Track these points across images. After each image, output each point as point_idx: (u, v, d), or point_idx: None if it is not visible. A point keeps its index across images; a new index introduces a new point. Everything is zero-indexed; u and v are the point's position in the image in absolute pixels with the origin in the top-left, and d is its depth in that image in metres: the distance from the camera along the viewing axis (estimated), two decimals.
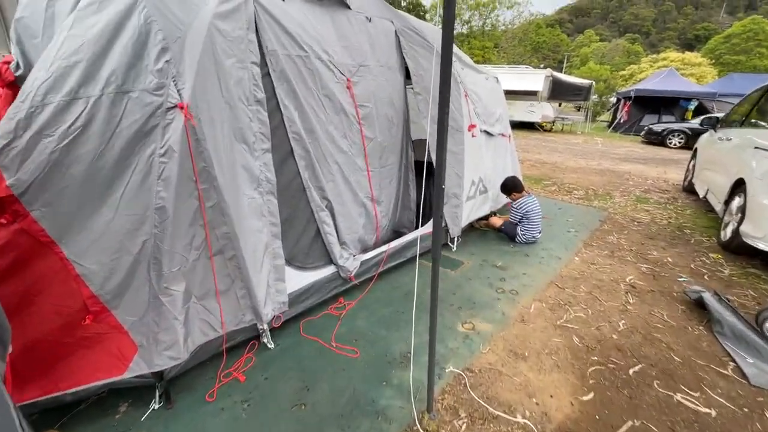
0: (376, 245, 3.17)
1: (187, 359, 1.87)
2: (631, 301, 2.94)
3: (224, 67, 2.05)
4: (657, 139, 14.18)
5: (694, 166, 6.37)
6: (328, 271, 2.63)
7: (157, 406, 1.80)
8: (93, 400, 1.85)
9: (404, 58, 3.37)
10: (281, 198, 2.36)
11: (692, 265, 3.63)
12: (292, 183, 2.47)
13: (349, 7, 2.99)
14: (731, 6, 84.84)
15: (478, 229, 4.29)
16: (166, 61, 1.78)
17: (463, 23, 38.00)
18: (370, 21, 3.15)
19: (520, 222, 3.97)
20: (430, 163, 3.63)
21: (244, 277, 2.05)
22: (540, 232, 4.02)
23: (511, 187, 4.12)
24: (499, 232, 4.14)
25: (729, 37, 42.61)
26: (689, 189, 6.43)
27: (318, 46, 2.65)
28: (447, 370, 2.10)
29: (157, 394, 1.81)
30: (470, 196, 3.86)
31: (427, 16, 36.12)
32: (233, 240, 1.98)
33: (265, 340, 2.22)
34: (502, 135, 4.55)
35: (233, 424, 1.74)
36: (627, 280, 3.28)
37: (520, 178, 5.55)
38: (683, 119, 16.20)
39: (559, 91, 17.06)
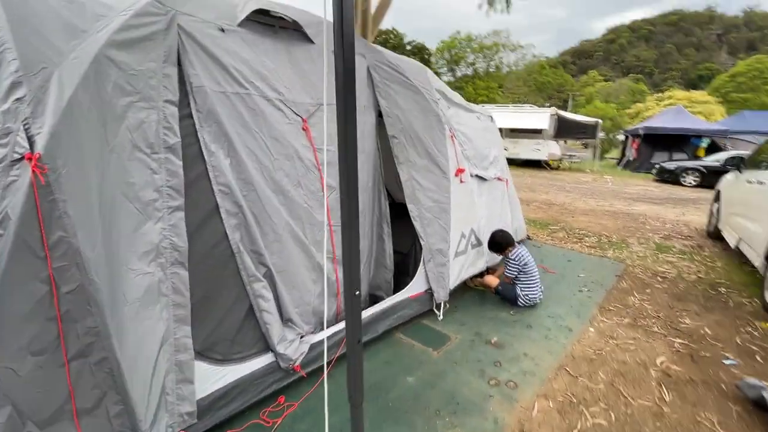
0: (339, 317, 2.58)
1: None
2: (666, 397, 2.24)
3: (114, 108, 1.58)
4: (670, 177, 13.56)
5: (718, 210, 5.73)
6: (264, 361, 2.03)
7: None
8: None
9: (377, 97, 2.94)
10: (197, 269, 1.82)
11: (737, 339, 2.93)
12: (215, 249, 1.93)
13: (311, 41, 2.60)
14: (731, 47, 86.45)
15: (473, 288, 3.65)
16: (17, 99, 1.31)
17: (468, 65, 39.10)
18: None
19: (517, 278, 3.34)
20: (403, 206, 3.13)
21: (120, 388, 1.46)
22: (542, 291, 3.38)
23: (503, 242, 3.48)
24: (495, 294, 3.50)
25: (734, 76, 42.77)
26: (715, 235, 5.74)
27: (264, 83, 2.22)
28: None
29: None
30: (460, 252, 3.28)
31: (432, 59, 37.31)
32: (103, 337, 1.41)
33: None
34: (499, 179, 4.03)
35: None
36: (658, 362, 2.59)
37: (523, 226, 5.02)
38: (695, 157, 15.64)
39: (565, 129, 16.80)
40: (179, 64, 1.89)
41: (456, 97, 3.74)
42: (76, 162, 1.40)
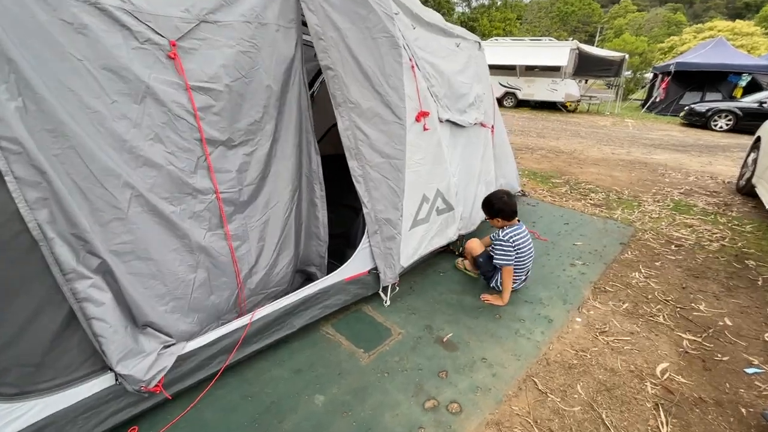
0: (241, 309, 2.00)
1: None
2: (664, 425, 1.66)
3: None
4: (700, 121, 12.18)
5: (755, 160, 4.81)
6: (99, 385, 1.47)
7: None
8: None
9: (303, 12, 2.09)
10: None
11: (766, 335, 2.29)
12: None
13: None
14: None
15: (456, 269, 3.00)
16: None
17: None
18: None
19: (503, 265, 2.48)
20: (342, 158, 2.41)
21: None
22: (527, 276, 2.70)
23: (497, 208, 2.49)
24: (468, 269, 2.86)
25: None
26: (748, 191, 4.89)
27: None
28: None
29: None
30: (420, 220, 2.60)
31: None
32: None
33: None
34: (482, 125, 3.21)
35: None
36: (658, 371, 1.99)
37: (514, 180, 4.26)
38: (731, 97, 13.98)
39: (585, 67, 15.02)
40: None
41: (427, 13, 2.83)
42: None
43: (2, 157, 1.27)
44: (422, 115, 2.53)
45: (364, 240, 2.37)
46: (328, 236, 2.41)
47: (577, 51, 14.45)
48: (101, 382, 1.48)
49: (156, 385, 1.56)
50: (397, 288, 2.50)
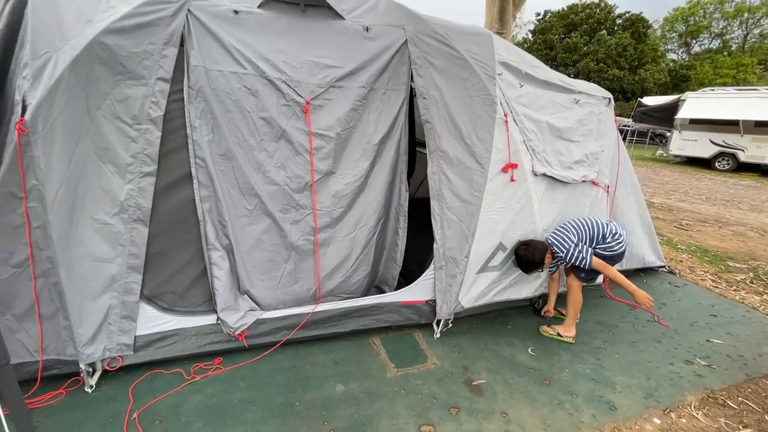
0: (318, 299, 2.51)
1: None
2: None
3: (100, 85, 1.93)
4: None
5: None
6: (207, 320, 2.19)
7: None
8: None
9: (413, 75, 2.60)
10: (158, 227, 2.09)
11: None
12: (181, 213, 2.15)
13: (342, 17, 2.50)
14: None
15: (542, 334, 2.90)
16: (23, 77, 1.78)
17: (714, 36, 29.68)
18: (367, 31, 2.55)
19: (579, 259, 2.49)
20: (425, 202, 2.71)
21: (64, 308, 1.86)
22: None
23: (531, 257, 2.54)
24: (563, 336, 2.68)
25: None
26: None
27: (267, 63, 2.27)
28: None
29: None
30: (491, 267, 2.65)
31: (658, 31, 29.88)
32: (55, 266, 1.82)
33: (87, 382, 1.96)
34: (594, 183, 3.00)
35: None
36: None
37: (649, 253, 3.66)
38: None
39: None
40: (183, 45, 2.13)
41: (541, 71, 2.94)
42: (54, 128, 1.80)
43: (195, 167, 2.15)
44: (510, 166, 2.64)
45: (428, 272, 2.61)
46: (402, 262, 2.77)
47: None
48: (209, 319, 2.20)
49: (239, 334, 2.21)
50: (450, 324, 2.60)
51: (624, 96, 24.28)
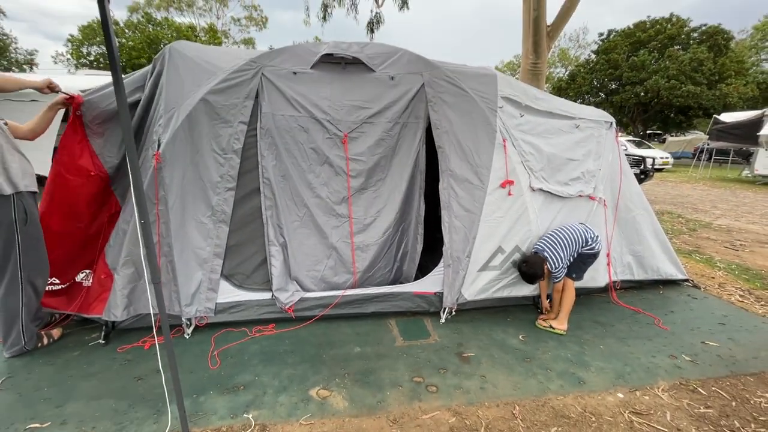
0: (354, 288, 3.20)
1: (128, 320, 2.74)
2: None
3: (203, 127, 2.87)
4: None
5: None
6: (265, 296, 2.97)
7: (101, 341, 2.73)
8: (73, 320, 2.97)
9: (429, 111, 3.27)
10: (237, 225, 2.96)
11: None
12: (251, 216, 3.01)
13: (372, 70, 3.29)
14: None
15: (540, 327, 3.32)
16: (160, 125, 2.77)
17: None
18: (392, 79, 3.31)
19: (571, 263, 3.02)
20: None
21: (174, 279, 2.76)
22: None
23: (533, 272, 2.99)
24: (555, 328, 3.08)
25: None
26: None
27: (316, 108, 3.09)
28: None
29: (102, 333, 2.75)
30: (492, 266, 3.15)
31: (739, 44, 27.29)
32: (171, 249, 2.74)
33: (185, 331, 2.82)
34: (591, 197, 3.38)
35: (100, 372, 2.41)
36: None
37: (665, 265, 3.83)
38: None
39: None
40: (257, 97, 3.04)
41: (543, 102, 3.45)
42: (173, 158, 2.75)
43: (262, 185, 3.00)
44: (507, 182, 3.17)
45: (438, 268, 3.19)
46: (419, 260, 3.38)
47: None
48: (267, 295, 2.99)
49: (288, 308, 2.96)
50: (454, 312, 3.12)
51: (705, 113, 22.47)
